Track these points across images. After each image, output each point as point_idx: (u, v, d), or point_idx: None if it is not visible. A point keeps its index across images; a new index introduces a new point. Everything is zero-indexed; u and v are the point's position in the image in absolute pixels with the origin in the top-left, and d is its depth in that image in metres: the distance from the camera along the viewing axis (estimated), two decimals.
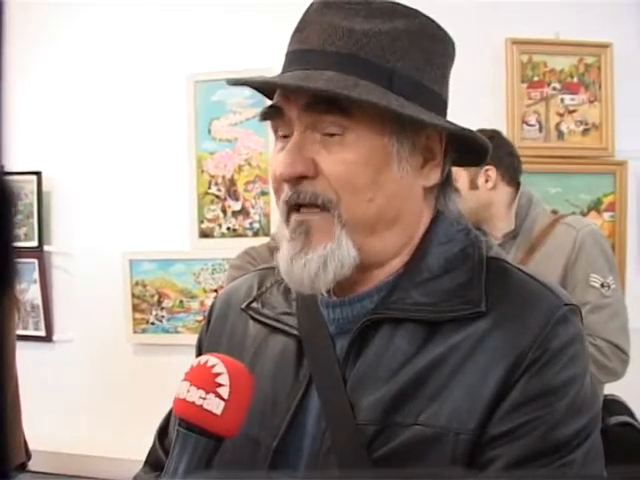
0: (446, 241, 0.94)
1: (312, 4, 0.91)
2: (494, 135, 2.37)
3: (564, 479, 0.82)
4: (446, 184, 0.97)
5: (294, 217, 0.90)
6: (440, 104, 0.93)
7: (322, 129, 0.87)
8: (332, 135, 0.87)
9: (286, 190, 0.89)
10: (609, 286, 2.16)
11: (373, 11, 0.88)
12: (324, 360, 0.92)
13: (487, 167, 2.28)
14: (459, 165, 1.03)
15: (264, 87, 0.95)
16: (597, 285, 2.15)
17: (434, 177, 0.94)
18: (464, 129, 0.92)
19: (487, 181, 2.30)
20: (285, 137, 0.90)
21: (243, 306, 1.05)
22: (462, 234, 0.96)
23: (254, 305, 1.04)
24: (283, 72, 0.91)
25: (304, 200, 0.88)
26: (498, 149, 2.31)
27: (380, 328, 0.90)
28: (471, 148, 0.96)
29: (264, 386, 0.94)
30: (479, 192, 2.30)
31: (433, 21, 0.93)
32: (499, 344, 0.85)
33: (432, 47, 0.91)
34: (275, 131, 0.93)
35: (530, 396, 0.83)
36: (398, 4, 0.91)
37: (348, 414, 0.88)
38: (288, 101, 0.88)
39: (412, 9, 0.91)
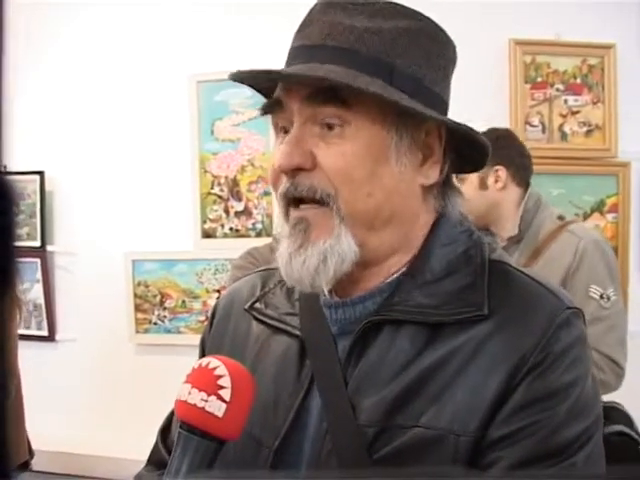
0: (449, 242, 0.94)
1: (316, 4, 0.92)
2: (506, 135, 2.36)
3: (564, 479, 0.82)
4: (446, 185, 0.97)
5: (293, 214, 0.90)
6: (440, 104, 0.93)
7: (322, 121, 0.87)
8: (331, 127, 0.87)
9: (284, 182, 0.89)
10: (609, 298, 2.13)
11: (375, 11, 0.89)
12: (326, 361, 0.92)
13: (497, 167, 2.26)
14: (461, 171, 1.02)
15: (265, 80, 0.95)
16: (596, 296, 2.12)
17: (433, 175, 0.93)
18: (462, 125, 0.92)
19: (497, 181, 2.28)
20: (286, 132, 0.91)
21: (246, 306, 1.05)
22: (465, 235, 0.96)
23: (257, 305, 1.04)
24: (285, 67, 0.91)
25: (301, 193, 0.88)
26: (509, 149, 2.29)
27: (382, 329, 0.90)
28: (471, 147, 0.95)
29: (266, 386, 0.94)
30: (488, 192, 2.28)
31: (435, 23, 0.93)
32: (501, 347, 0.85)
33: (433, 48, 0.91)
34: (276, 126, 0.93)
35: (532, 399, 0.83)
36: (401, 5, 0.91)
37: (349, 415, 0.88)
38: (289, 93, 0.89)
39: (414, 11, 0.91)
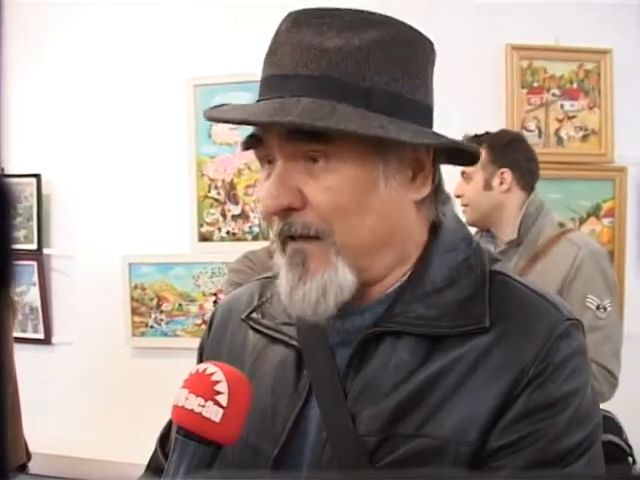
0: (448, 250, 0.94)
1: (282, 23, 0.89)
2: (516, 138, 2.37)
3: (565, 479, 0.83)
4: (437, 191, 0.95)
5: (290, 246, 0.88)
6: (424, 112, 0.91)
7: (304, 156, 0.85)
8: (315, 160, 0.85)
9: (277, 222, 0.88)
10: (605, 308, 2.13)
11: (345, 24, 0.86)
12: (324, 371, 0.92)
13: (503, 169, 2.27)
14: (452, 164, 1.01)
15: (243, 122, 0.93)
16: (593, 307, 2.12)
17: (425, 189, 0.92)
18: (447, 142, 0.90)
19: (502, 183, 2.28)
20: (270, 162, 0.89)
21: (243, 316, 1.04)
22: (464, 244, 0.95)
23: (254, 315, 1.03)
24: (259, 99, 0.89)
25: (296, 232, 0.87)
26: (517, 153, 2.30)
27: (382, 340, 0.90)
28: (462, 152, 0.95)
29: (264, 396, 0.94)
30: (493, 193, 2.29)
31: (408, 26, 0.90)
32: (502, 359, 0.85)
33: (409, 54, 0.89)
34: (260, 158, 0.91)
35: (532, 408, 0.83)
36: (370, 13, 0.88)
37: (349, 425, 0.88)
38: (267, 132, 0.87)
39: (385, 17, 0.89)
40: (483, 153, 2.23)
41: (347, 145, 0.84)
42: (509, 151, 2.29)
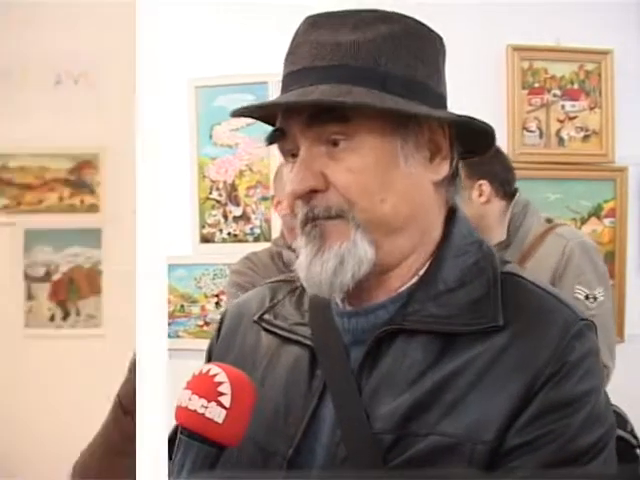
0: (460, 254, 0.95)
1: (300, 26, 0.93)
2: None
3: (574, 479, 0.83)
4: (455, 176, 0.98)
5: (310, 224, 0.90)
6: (437, 98, 0.94)
7: (326, 141, 0.88)
8: (337, 144, 0.88)
9: (301, 207, 0.90)
10: (595, 298, 2.12)
11: (357, 22, 0.90)
12: (338, 370, 0.92)
13: (481, 181, 2.26)
14: (470, 157, 1.02)
15: (264, 110, 0.96)
16: (581, 297, 2.11)
17: (443, 170, 0.94)
18: (461, 116, 0.93)
19: (481, 195, 2.28)
20: (294, 156, 0.92)
21: (255, 318, 1.05)
22: (474, 247, 0.96)
23: (266, 316, 1.04)
24: (280, 95, 0.92)
25: (318, 215, 0.89)
26: (494, 164, 2.29)
27: (395, 339, 0.90)
28: (477, 134, 0.96)
29: (277, 396, 0.95)
30: (472, 205, 2.28)
31: (417, 21, 0.94)
32: (517, 358, 0.85)
33: (420, 45, 0.92)
34: (283, 152, 0.94)
35: (548, 408, 0.83)
36: (381, 11, 0.92)
37: (364, 423, 0.88)
38: (289, 120, 0.90)
39: (396, 14, 0.92)
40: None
41: (366, 125, 0.88)
42: (485, 162, 2.27)
